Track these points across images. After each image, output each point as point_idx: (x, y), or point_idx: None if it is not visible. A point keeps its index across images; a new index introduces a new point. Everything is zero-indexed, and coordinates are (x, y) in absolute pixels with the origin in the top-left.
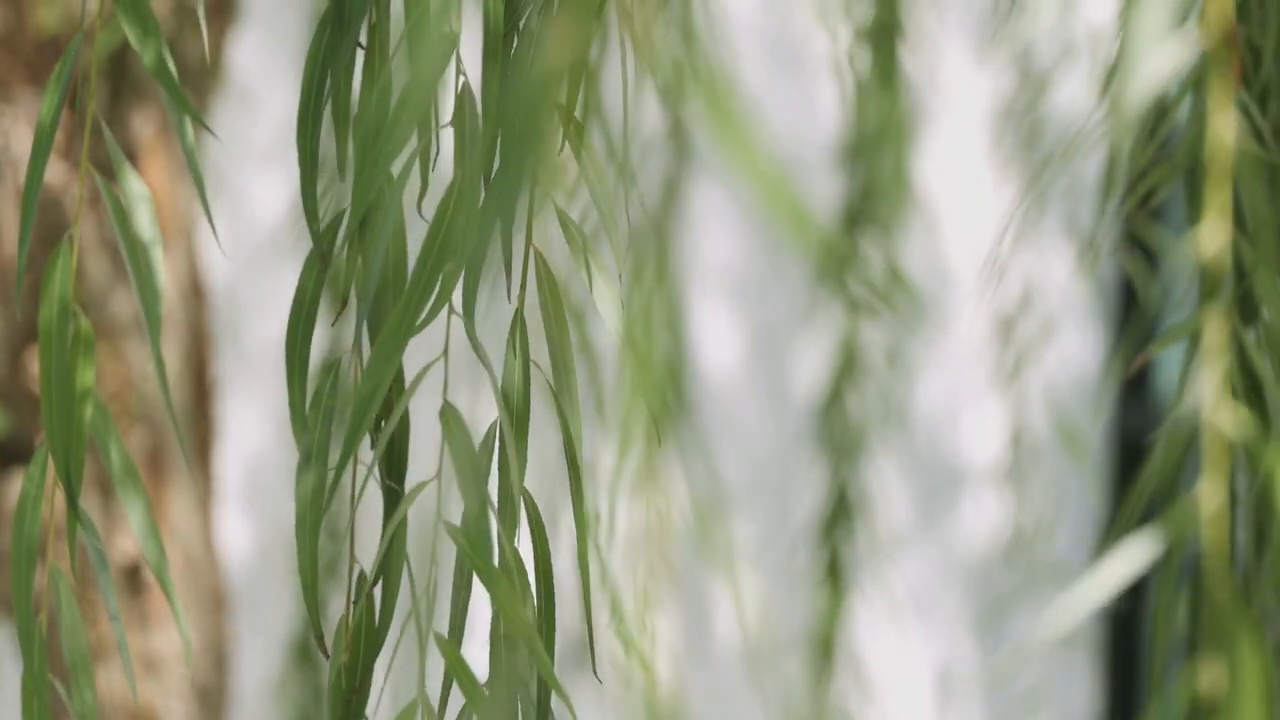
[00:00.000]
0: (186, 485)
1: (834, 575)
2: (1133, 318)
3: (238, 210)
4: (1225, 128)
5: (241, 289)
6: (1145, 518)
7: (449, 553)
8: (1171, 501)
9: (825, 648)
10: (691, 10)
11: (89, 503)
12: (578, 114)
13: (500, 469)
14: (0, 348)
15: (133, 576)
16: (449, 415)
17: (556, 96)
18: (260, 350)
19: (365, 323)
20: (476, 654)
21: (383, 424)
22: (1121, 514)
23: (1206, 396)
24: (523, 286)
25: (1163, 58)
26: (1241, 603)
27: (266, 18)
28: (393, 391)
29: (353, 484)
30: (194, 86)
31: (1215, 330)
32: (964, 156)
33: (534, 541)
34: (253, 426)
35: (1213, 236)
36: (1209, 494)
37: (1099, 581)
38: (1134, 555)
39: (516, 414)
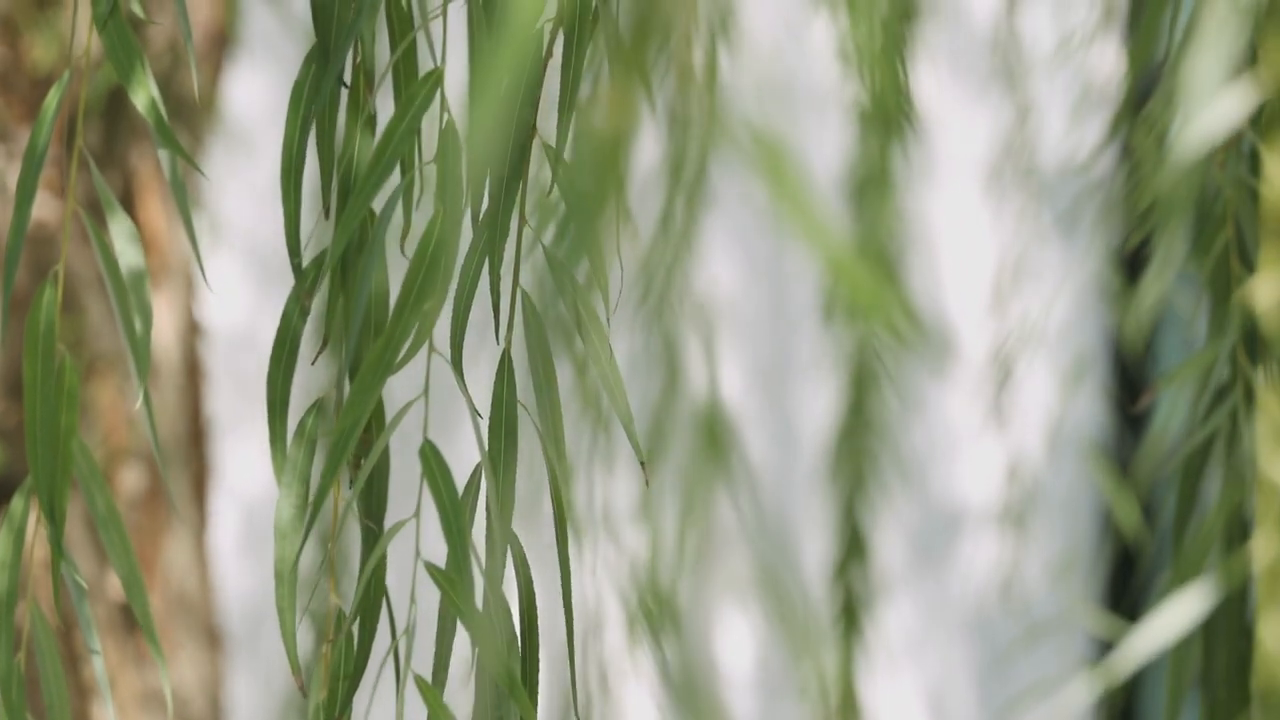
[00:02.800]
0: (183, 524)
1: (847, 616)
2: (1133, 355)
3: (244, 247)
4: None
5: (243, 326)
6: (1138, 567)
7: (427, 593)
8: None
9: (843, 689)
10: (717, 55)
11: (80, 538)
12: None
13: (487, 510)
14: None
15: (128, 613)
16: (429, 454)
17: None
18: (263, 388)
19: (347, 361)
20: (458, 696)
21: (362, 462)
22: (1176, 568)
23: (1262, 449)
24: (510, 327)
25: (1220, 108)
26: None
27: (268, 50)
28: (375, 430)
29: (334, 522)
30: (190, 122)
31: (1273, 381)
32: (963, 194)
33: (519, 583)
34: (254, 465)
35: (1269, 288)
36: (1264, 547)
37: (1150, 634)
38: (1186, 608)
39: (503, 455)
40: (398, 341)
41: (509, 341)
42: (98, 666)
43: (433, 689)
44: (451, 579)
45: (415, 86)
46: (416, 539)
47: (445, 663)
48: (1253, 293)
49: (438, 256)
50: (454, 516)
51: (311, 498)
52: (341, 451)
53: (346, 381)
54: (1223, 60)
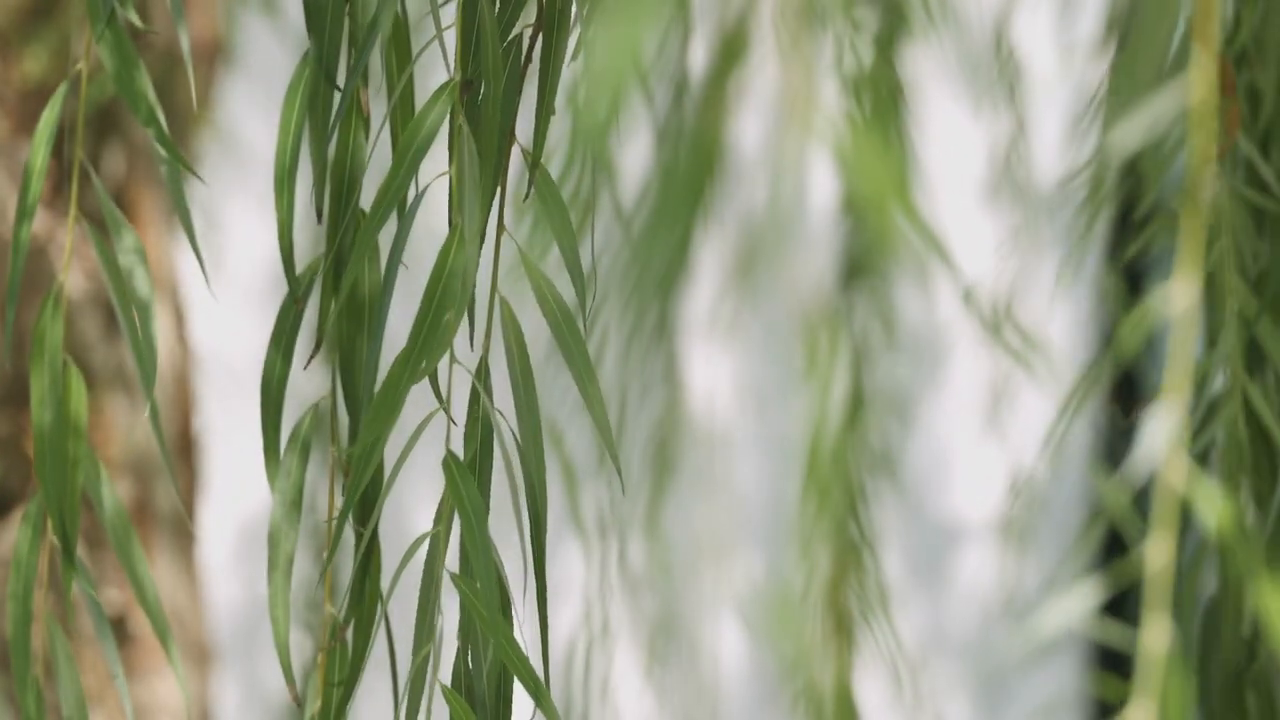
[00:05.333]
0: (172, 537)
1: (842, 631)
2: (1132, 365)
3: (239, 257)
4: (1204, 184)
5: (236, 339)
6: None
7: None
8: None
9: (840, 703)
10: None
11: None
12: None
13: (461, 516)
14: None
15: (119, 627)
16: (452, 466)
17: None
18: (254, 401)
19: (364, 391)
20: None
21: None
22: (1073, 561)
23: (1161, 451)
24: (487, 335)
25: (1146, 113)
26: (1180, 658)
27: (263, 61)
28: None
29: (330, 531)
30: (183, 131)
31: (1177, 385)
32: (959, 206)
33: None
34: (247, 479)
35: (1184, 291)
36: (1157, 549)
37: (1041, 624)
38: (1076, 602)
39: (477, 460)
40: (418, 357)
41: (486, 347)
42: (119, 684)
43: (463, 701)
44: (477, 590)
45: (431, 99)
46: (443, 550)
47: (424, 666)
48: (1169, 295)
49: (458, 267)
50: (478, 529)
51: (308, 504)
52: (364, 471)
53: (339, 388)
54: (1154, 64)
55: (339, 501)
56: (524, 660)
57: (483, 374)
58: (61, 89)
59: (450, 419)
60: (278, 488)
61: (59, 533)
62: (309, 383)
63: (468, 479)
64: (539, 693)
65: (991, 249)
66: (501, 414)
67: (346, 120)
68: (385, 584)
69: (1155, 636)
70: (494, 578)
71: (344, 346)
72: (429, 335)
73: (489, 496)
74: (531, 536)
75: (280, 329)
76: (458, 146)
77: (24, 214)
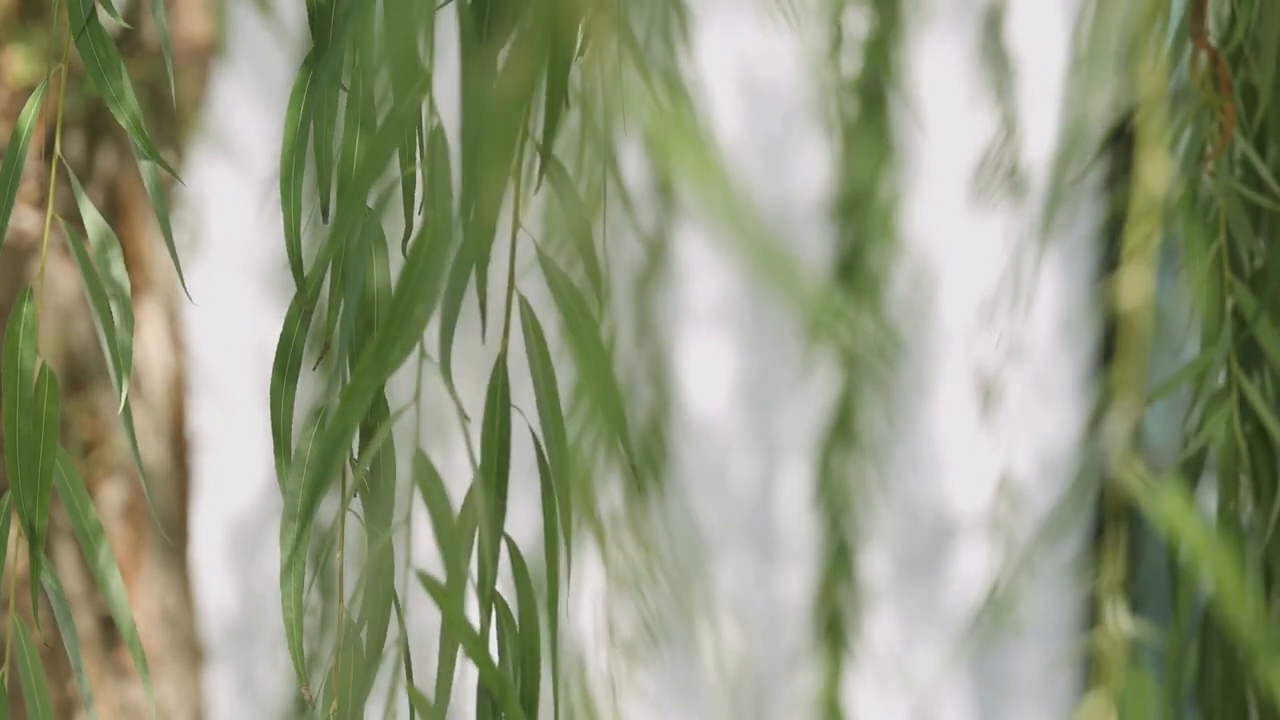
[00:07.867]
0: (166, 537)
1: (833, 634)
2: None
3: (231, 258)
4: (1155, 179)
5: (226, 339)
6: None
7: (419, 601)
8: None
9: (829, 703)
10: (675, 61)
11: (67, 553)
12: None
13: (479, 517)
14: None
15: (110, 628)
16: (420, 463)
17: (522, 132)
18: (246, 401)
19: (346, 363)
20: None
21: (355, 468)
22: (1008, 560)
23: (1112, 450)
24: (505, 332)
25: (1098, 106)
26: (1130, 658)
27: (257, 59)
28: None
29: (341, 531)
30: (175, 131)
31: (1129, 384)
32: (952, 206)
33: (517, 587)
34: (239, 480)
35: (1135, 288)
36: (1110, 545)
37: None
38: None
39: (496, 461)
40: (388, 348)
41: (505, 345)
42: (82, 683)
43: (426, 701)
44: (446, 589)
45: (402, 88)
46: (408, 548)
47: (450, 670)
48: (1118, 288)
49: (430, 261)
50: (447, 526)
51: (321, 510)
52: (331, 457)
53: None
54: (1106, 61)
55: (353, 506)
56: (488, 657)
57: (501, 370)
58: (39, 88)
59: (464, 414)
60: (289, 489)
61: (27, 533)
62: (307, 388)
63: (435, 477)
64: (504, 692)
65: (986, 248)
66: (520, 410)
67: (349, 118)
68: (356, 587)
69: (1114, 630)
70: (461, 579)
71: (353, 347)
72: (399, 328)
73: (505, 494)
74: (546, 533)
75: (288, 330)
76: (430, 139)
77: (1, 209)
